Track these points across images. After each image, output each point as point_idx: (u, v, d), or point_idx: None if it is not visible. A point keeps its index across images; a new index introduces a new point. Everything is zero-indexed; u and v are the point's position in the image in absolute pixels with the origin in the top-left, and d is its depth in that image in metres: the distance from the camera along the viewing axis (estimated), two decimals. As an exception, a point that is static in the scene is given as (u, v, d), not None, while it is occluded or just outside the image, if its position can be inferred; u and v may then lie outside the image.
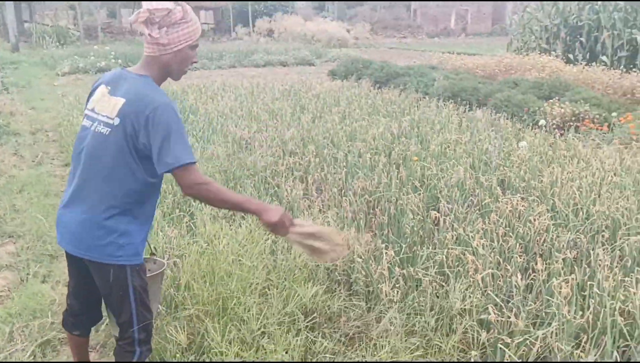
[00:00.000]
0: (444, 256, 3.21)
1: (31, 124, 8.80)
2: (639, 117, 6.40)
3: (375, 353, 2.72)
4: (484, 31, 34.53)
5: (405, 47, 25.75)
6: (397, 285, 3.08)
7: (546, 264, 3.09)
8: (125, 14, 32.55)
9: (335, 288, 3.28)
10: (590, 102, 7.38)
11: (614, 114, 7.05)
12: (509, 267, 3.07)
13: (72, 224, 2.21)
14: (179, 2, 2.15)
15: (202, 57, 18.35)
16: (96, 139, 2.16)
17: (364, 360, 2.73)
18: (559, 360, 2.48)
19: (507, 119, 7.22)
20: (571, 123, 6.89)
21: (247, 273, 3.21)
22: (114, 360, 2.41)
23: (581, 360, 2.43)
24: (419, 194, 4.09)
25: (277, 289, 3.15)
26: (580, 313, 2.64)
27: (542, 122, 6.94)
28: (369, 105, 8.23)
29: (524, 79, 9.81)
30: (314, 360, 2.75)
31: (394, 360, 2.68)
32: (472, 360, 2.64)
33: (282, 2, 33.28)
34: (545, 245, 3.43)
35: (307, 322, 2.96)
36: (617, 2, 13.97)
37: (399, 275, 3.13)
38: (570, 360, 2.47)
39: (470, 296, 2.88)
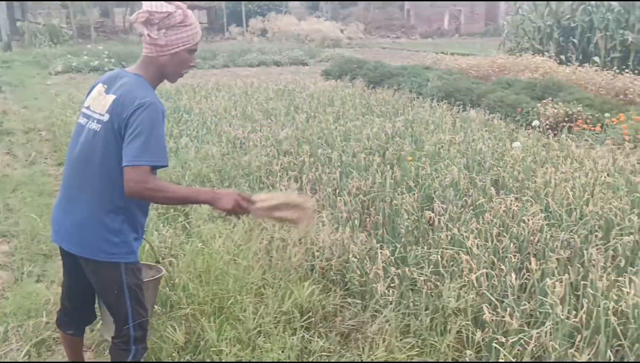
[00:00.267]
0: (438, 256, 3.22)
1: (24, 124, 8.76)
2: (631, 118, 6.43)
3: (371, 352, 2.73)
4: (477, 31, 34.55)
5: (399, 47, 25.74)
6: (392, 285, 3.10)
7: (540, 264, 3.11)
8: (118, 14, 32.42)
9: (331, 288, 3.29)
10: (583, 103, 7.40)
11: (606, 114, 7.07)
12: (503, 267, 3.08)
13: (66, 222, 2.22)
14: (178, 4, 2.15)
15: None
16: (89, 136, 2.17)
17: (359, 360, 2.74)
18: (553, 360, 2.49)
19: (500, 119, 7.24)
20: (564, 124, 6.91)
21: (243, 273, 3.22)
22: (109, 360, 2.41)
23: (575, 360, 2.45)
24: (414, 194, 4.11)
25: (272, 288, 3.16)
26: (574, 312, 2.66)
27: (535, 122, 6.96)
28: (362, 105, 8.24)
29: (517, 80, 9.82)
30: (310, 359, 2.76)
31: (390, 359, 2.69)
32: (467, 360, 2.66)
33: (276, 2, 33.16)
34: (539, 244, 3.44)
35: (303, 321, 2.97)
36: (610, 2, 14.05)
37: (394, 275, 3.14)
38: (564, 360, 2.49)
39: (464, 296, 2.89)
